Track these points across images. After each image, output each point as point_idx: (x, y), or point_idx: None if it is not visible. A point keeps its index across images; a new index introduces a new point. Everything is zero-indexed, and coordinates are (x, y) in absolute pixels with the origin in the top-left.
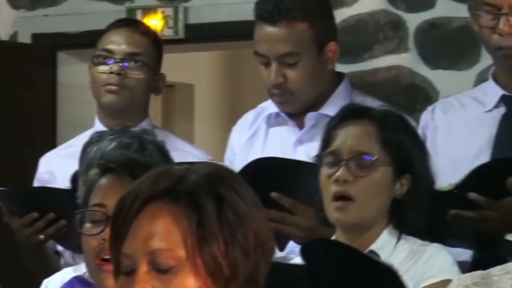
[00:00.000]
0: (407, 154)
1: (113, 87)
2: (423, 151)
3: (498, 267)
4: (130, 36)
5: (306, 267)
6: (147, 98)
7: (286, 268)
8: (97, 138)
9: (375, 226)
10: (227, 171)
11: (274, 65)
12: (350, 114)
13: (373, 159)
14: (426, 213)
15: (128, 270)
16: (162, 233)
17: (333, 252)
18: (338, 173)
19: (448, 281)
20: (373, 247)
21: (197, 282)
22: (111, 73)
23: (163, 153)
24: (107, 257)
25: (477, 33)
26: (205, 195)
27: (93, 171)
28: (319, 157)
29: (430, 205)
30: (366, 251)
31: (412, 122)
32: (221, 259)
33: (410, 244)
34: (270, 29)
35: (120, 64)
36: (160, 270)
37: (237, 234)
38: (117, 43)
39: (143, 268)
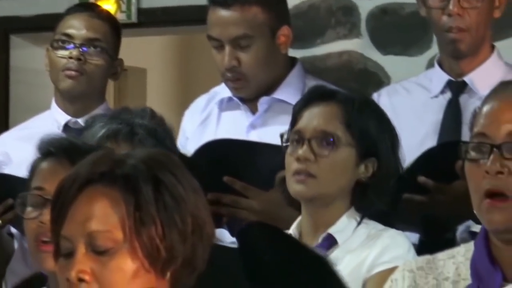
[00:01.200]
0: (372, 137)
1: (72, 73)
2: (391, 136)
3: (445, 252)
4: (90, 21)
5: (240, 251)
6: (105, 83)
7: (221, 250)
8: (90, 123)
9: (336, 206)
10: (166, 156)
11: (227, 49)
12: (317, 96)
13: (336, 139)
14: (389, 198)
15: (67, 252)
16: (100, 215)
17: (268, 237)
18: (300, 151)
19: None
20: (331, 230)
21: (134, 264)
22: (70, 58)
23: (157, 137)
24: (46, 239)
25: (426, 16)
26: (143, 179)
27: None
28: (286, 136)
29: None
30: (324, 234)
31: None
32: (158, 242)
33: (369, 229)
34: (223, 13)
35: (80, 49)
36: (97, 252)
37: (175, 217)
38: (77, 28)
39: (81, 250)
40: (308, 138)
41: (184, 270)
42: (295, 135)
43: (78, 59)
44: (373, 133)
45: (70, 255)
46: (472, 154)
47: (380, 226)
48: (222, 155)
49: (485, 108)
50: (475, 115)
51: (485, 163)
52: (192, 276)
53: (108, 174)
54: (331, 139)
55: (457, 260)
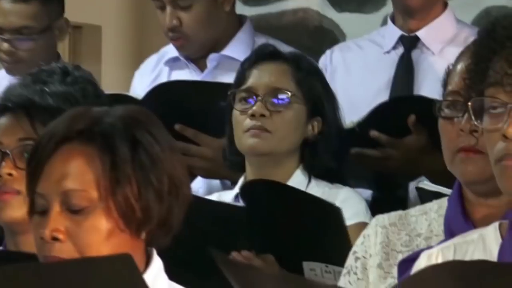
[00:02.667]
0: (319, 96)
1: (8, 65)
2: (332, 96)
3: (417, 207)
4: (15, 8)
5: (245, 208)
6: (50, 49)
7: (222, 207)
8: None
9: (286, 163)
10: (145, 114)
11: (168, 9)
12: (265, 55)
13: (290, 95)
14: (335, 155)
15: (42, 209)
16: (75, 174)
17: (273, 191)
18: (255, 107)
19: (363, 224)
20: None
21: (109, 223)
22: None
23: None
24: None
25: None
26: (120, 138)
27: None
28: (232, 94)
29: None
30: None
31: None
32: (133, 201)
33: (322, 186)
34: None
35: (8, 43)
36: (72, 210)
37: (151, 177)
38: (3, 16)
39: (55, 208)
40: (262, 94)
41: (159, 230)
42: (245, 93)
43: (10, 51)
44: (320, 93)
45: (44, 212)
46: (446, 111)
47: (330, 185)
48: (172, 98)
49: (459, 66)
50: (449, 72)
51: (460, 121)
52: (167, 236)
53: (85, 132)
54: (285, 96)
55: (430, 216)
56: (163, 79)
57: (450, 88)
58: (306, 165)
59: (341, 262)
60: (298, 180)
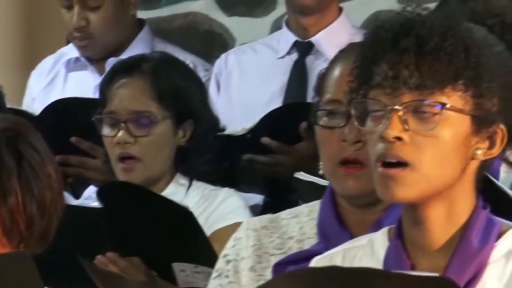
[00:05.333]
0: (185, 99)
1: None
2: (202, 92)
3: (287, 211)
4: None
5: (102, 210)
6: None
7: (81, 210)
8: None
9: (164, 177)
10: (24, 126)
11: (76, 8)
12: (121, 71)
13: (151, 117)
14: (212, 156)
15: None
16: None
17: (129, 194)
18: (119, 135)
19: (240, 223)
20: (164, 194)
21: None
22: None
23: None
24: None
25: None
26: (5, 151)
27: None
28: (99, 120)
29: (218, 149)
30: None
31: (207, 67)
32: (18, 216)
33: (201, 189)
34: None
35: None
36: None
37: (34, 190)
38: None
39: None
40: (124, 120)
41: (37, 243)
42: (109, 118)
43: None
44: (185, 95)
45: None
46: (325, 120)
47: (211, 187)
48: (69, 114)
49: (336, 72)
50: (322, 77)
51: (341, 130)
52: (43, 247)
53: None
54: (147, 119)
55: (301, 220)
56: (60, 80)
57: (328, 96)
58: (182, 172)
59: (206, 263)
60: (173, 188)
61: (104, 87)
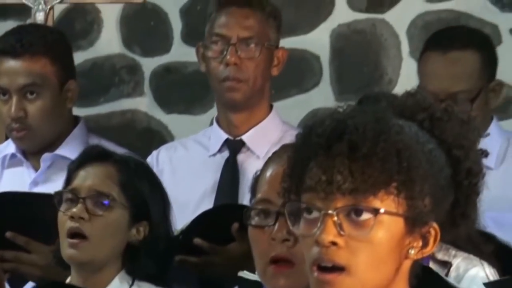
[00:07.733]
0: (145, 200)
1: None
2: (163, 199)
3: None
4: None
5: None
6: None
7: None
8: None
9: (108, 268)
10: None
11: (15, 99)
12: (92, 156)
13: (110, 199)
14: (160, 261)
15: None
16: None
17: None
18: (75, 210)
19: None
20: None
21: None
22: None
23: None
24: None
25: (206, 71)
26: None
27: None
28: (59, 195)
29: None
30: None
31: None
32: None
33: None
34: (12, 63)
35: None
36: None
37: None
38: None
39: None
40: (83, 197)
41: None
42: (69, 194)
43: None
44: (146, 196)
45: None
46: (256, 219)
47: (153, 287)
48: (2, 209)
49: (268, 173)
50: (257, 178)
51: (270, 229)
52: None
53: None
54: (106, 200)
55: None
56: None
57: (260, 196)
58: (127, 270)
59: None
60: (118, 284)
61: (72, 168)
